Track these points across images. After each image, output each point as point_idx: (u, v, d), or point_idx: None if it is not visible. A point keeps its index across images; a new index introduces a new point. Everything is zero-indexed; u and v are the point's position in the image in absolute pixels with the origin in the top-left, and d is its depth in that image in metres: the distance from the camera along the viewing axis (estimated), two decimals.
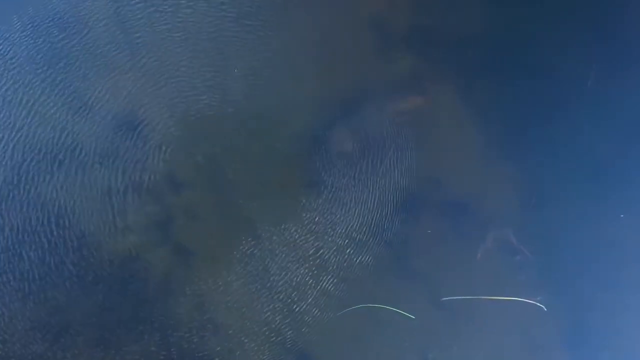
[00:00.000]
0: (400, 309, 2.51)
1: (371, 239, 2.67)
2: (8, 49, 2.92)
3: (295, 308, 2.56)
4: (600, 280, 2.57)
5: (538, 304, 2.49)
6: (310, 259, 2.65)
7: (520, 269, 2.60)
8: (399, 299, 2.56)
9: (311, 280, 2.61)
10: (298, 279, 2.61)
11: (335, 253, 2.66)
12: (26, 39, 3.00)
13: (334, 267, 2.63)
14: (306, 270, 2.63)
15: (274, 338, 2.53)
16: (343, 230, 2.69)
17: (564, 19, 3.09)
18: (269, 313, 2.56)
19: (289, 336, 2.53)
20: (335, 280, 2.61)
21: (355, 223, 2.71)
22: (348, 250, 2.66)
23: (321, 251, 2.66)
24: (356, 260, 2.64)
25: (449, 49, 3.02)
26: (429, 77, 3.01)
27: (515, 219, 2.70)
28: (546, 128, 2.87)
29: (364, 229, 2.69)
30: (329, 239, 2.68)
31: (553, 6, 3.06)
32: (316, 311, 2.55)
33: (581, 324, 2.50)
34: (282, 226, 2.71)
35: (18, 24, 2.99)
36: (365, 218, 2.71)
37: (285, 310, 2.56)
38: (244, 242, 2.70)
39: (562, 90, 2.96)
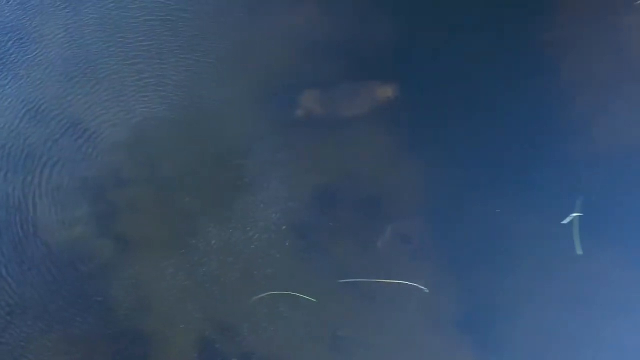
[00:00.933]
0: (307, 293, 2.89)
1: (290, 232, 3.04)
2: None
3: (219, 294, 2.94)
4: (480, 267, 2.97)
5: (421, 287, 2.87)
6: (234, 249, 3.02)
7: (412, 256, 2.98)
8: (308, 283, 2.92)
9: (233, 268, 2.98)
10: (222, 268, 2.98)
11: (257, 244, 3.03)
12: None
13: (254, 257, 3.00)
14: (230, 259, 3.00)
15: (201, 318, 2.91)
16: (265, 224, 3.06)
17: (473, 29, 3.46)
18: (197, 297, 2.94)
19: (215, 318, 2.91)
20: (256, 269, 2.97)
21: (277, 217, 3.07)
22: (269, 243, 3.03)
23: (246, 243, 3.03)
24: (274, 251, 3.01)
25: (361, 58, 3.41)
26: (343, 83, 3.39)
27: (411, 213, 3.07)
28: (445, 133, 3.23)
29: (284, 223, 3.06)
30: (253, 232, 3.05)
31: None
32: (236, 296, 2.93)
33: (461, 305, 2.87)
34: (213, 220, 3.08)
35: None
36: (286, 213, 3.08)
37: (210, 295, 2.93)
38: (178, 233, 3.08)
39: (461, 98, 3.32)
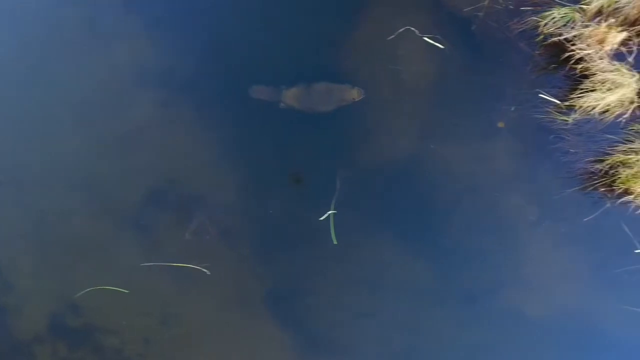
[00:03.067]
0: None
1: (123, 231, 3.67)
2: None
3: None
4: (260, 256, 3.71)
5: (204, 270, 3.59)
6: None
7: (206, 244, 3.65)
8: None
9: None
10: None
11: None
12: None
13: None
14: None
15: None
16: None
17: None
18: None
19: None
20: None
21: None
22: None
23: None
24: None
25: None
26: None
27: (214, 208, 3.69)
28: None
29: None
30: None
31: None
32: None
33: (242, 287, 3.64)
34: None
35: None
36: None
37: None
38: None
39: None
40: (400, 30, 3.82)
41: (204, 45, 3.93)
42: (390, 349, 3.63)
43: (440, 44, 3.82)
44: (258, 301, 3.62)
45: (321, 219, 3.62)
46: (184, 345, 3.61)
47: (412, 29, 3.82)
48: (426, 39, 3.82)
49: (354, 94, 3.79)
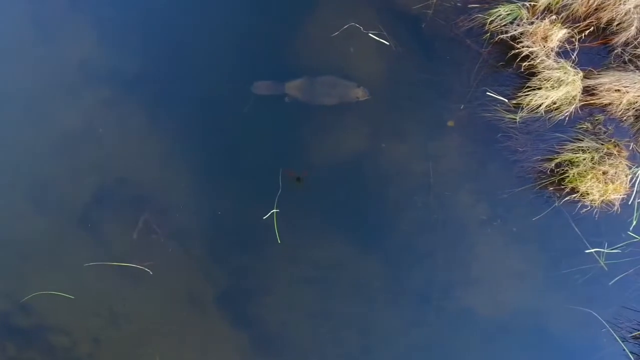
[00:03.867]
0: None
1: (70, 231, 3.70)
2: None
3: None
4: (207, 254, 3.72)
5: (146, 269, 3.61)
6: None
7: (154, 244, 3.66)
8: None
9: None
10: None
11: None
12: None
13: None
14: None
15: None
16: None
17: None
18: None
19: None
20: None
21: None
22: None
23: None
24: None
25: None
26: None
27: (161, 208, 3.72)
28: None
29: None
30: None
31: None
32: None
33: (192, 286, 3.67)
34: None
35: None
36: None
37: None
38: None
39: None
40: (345, 27, 3.79)
41: (152, 44, 3.92)
42: (343, 349, 3.62)
43: (386, 40, 3.79)
44: (208, 300, 3.62)
45: (265, 217, 3.62)
46: (134, 344, 3.62)
47: (357, 25, 3.79)
48: (371, 35, 3.79)
49: (359, 93, 3.75)
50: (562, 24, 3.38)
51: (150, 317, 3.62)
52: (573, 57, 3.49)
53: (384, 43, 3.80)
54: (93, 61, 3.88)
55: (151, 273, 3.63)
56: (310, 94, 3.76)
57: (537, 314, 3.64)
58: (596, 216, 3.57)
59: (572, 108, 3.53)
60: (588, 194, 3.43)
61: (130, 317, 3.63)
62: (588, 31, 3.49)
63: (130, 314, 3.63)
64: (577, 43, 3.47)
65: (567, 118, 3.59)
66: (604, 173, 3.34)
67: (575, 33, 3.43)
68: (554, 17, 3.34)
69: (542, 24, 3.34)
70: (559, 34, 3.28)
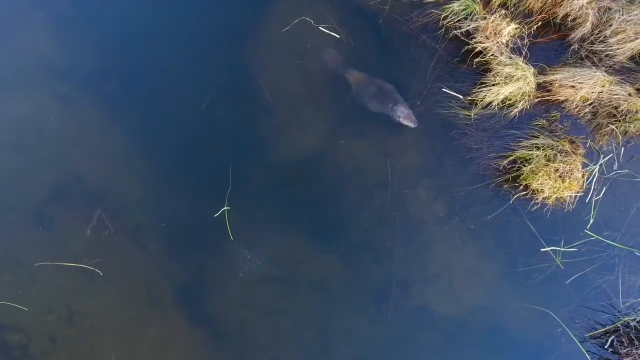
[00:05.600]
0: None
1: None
2: None
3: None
4: (160, 250, 3.69)
5: (96, 269, 3.62)
6: None
7: (108, 241, 3.64)
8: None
9: None
10: None
11: None
12: None
13: None
14: None
15: None
16: None
17: None
18: None
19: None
20: None
21: None
22: None
23: None
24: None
25: None
26: None
27: (115, 204, 3.71)
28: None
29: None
30: None
31: None
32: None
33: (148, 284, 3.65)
34: None
35: None
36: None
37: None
38: None
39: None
40: (295, 21, 3.77)
41: (108, 39, 3.90)
42: (303, 347, 3.60)
43: (336, 33, 3.76)
44: (165, 297, 3.60)
45: (216, 215, 3.60)
46: (90, 342, 3.61)
47: (307, 19, 3.77)
48: (322, 28, 3.76)
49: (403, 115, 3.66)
50: (514, 18, 3.34)
51: (104, 314, 3.61)
52: (524, 52, 3.44)
53: (334, 35, 3.77)
54: (48, 57, 3.87)
55: (101, 274, 3.61)
56: (362, 90, 3.72)
57: (495, 313, 3.60)
58: (548, 214, 3.53)
59: (526, 104, 3.49)
60: (540, 191, 3.38)
61: (85, 315, 3.62)
62: (537, 26, 3.44)
63: (86, 312, 3.62)
64: (528, 38, 3.43)
65: (522, 115, 3.55)
66: (556, 170, 3.29)
67: (525, 28, 3.39)
68: (503, 11, 3.30)
69: (492, 17, 3.30)
70: (508, 28, 3.24)
